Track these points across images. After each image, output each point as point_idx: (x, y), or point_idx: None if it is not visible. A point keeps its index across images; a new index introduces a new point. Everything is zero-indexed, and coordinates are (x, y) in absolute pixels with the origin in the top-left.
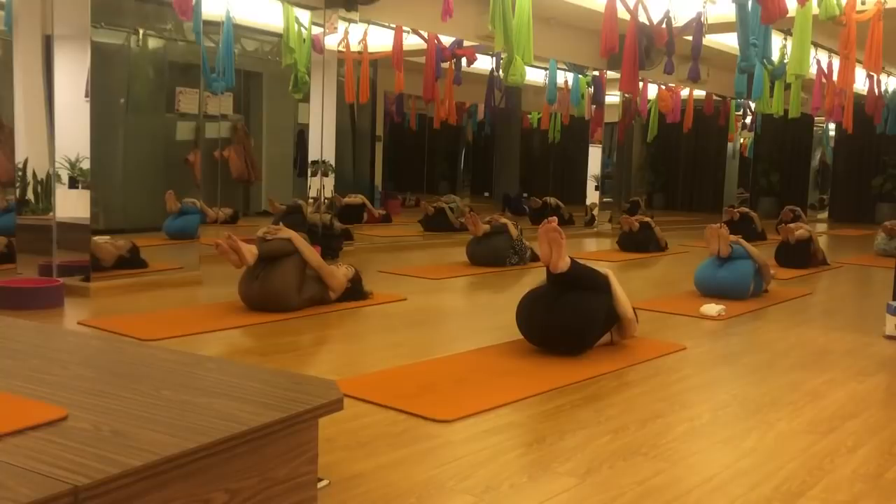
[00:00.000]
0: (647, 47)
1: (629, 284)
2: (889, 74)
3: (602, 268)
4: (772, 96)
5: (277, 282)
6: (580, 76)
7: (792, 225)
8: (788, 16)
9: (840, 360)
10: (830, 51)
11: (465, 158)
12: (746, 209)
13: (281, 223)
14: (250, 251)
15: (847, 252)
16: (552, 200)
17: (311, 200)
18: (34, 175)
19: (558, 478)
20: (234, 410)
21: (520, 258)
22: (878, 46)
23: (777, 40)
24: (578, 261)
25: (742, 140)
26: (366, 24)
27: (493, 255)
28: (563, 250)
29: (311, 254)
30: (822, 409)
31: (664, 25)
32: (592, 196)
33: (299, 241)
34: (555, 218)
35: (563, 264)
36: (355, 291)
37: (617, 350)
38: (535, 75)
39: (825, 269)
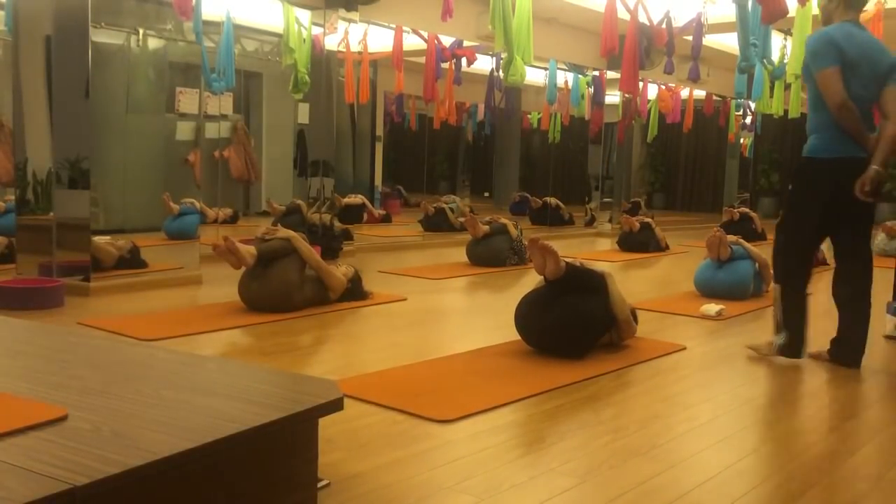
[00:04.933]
0: (647, 47)
1: (629, 284)
2: None
3: (600, 267)
4: (772, 96)
5: (277, 282)
6: (580, 76)
7: None
8: (788, 16)
9: None
10: None
11: (465, 158)
12: (746, 209)
13: (279, 224)
14: (249, 252)
15: None
16: (552, 200)
17: (310, 200)
18: (34, 175)
19: (558, 478)
20: (234, 410)
21: (519, 258)
22: None
23: (777, 40)
24: (574, 263)
25: (742, 140)
26: (366, 24)
27: (492, 255)
28: (556, 257)
29: (310, 254)
30: (822, 409)
31: (664, 25)
32: (592, 196)
33: (298, 241)
34: (537, 238)
35: (559, 270)
36: (355, 291)
37: (617, 350)
38: (535, 75)
39: (825, 269)
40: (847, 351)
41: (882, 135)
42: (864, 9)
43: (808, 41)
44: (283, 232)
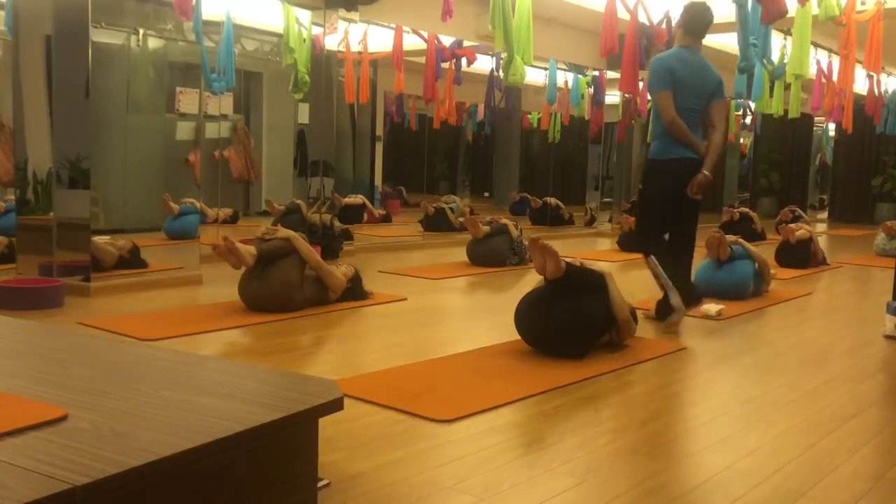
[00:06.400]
0: (647, 47)
1: (629, 284)
2: (889, 74)
3: (600, 267)
4: (772, 96)
5: (277, 282)
6: (580, 76)
7: (793, 225)
8: (788, 16)
9: (840, 360)
10: (830, 51)
11: (465, 158)
12: (746, 209)
13: (279, 224)
14: (248, 252)
15: (847, 252)
16: (552, 200)
17: (310, 200)
18: (34, 175)
19: (558, 478)
20: (234, 410)
21: (519, 258)
22: (877, 46)
23: (777, 40)
24: (574, 263)
25: (742, 140)
26: (366, 24)
27: (492, 255)
28: (556, 257)
29: (310, 253)
30: (822, 409)
31: (664, 25)
32: (592, 196)
33: (298, 241)
34: (537, 238)
35: (559, 270)
36: (355, 291)
37: (617, 350)
38: (535, 75)
39: (825, 269)
40: (665, 307)
41: (710, 144)
42: (864, 9)
43: (651, 64)
44: (283, 232)
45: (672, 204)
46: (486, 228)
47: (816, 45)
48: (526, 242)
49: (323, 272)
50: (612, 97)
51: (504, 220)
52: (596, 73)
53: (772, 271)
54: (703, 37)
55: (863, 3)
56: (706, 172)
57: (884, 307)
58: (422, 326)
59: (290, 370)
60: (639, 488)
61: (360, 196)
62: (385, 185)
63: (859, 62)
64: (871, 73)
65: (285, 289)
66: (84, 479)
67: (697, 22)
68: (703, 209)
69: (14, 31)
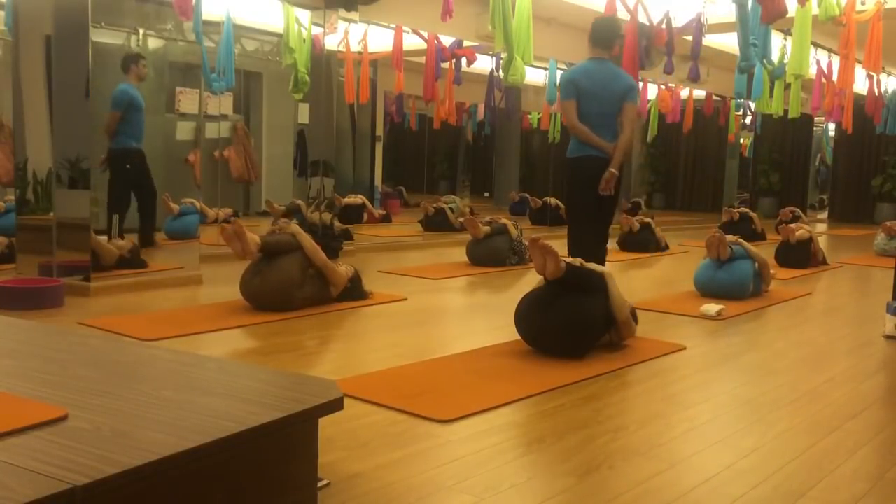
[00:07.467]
0: (647, 47)
1: (629, 284)
2: (889, 74)
3: (600, 267)
4: (772, 96)
5: (278, 279)
6: None
7: (793, 225)
8: (788, 16)
9: (840, 360)
10: (830, 51)
11: (465, 158)
12: (746, 209)
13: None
14: (254, 241)
15: (847, 252)
16: (552, 200)
17: (310, 200)
18: (34, 175)
19: (558, 478)
20: (234, 410)
21: (519, 258)
22: (877, 46)
23: (777, 40)
24: (574, 263)
25: (742, 140)
26: (366, 24)
27: (492, 255)
28: (556, 257)
29: (314, 249)
30: (822, 409)
31: (664, 25)
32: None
33: (302, 235)
34: (537, 238)
35: (559, 270)
36: (355, 291)
37: (616, 350)
38: (535, 75)
39: (825, 269)
40: None
41: (618, 143)
42: (864, 9)
43: (560, 78)
44: (292, 227)
45: (586, 198)
46: (485, 228)
47: (816, 45)
48: (526, 242)
49: (327, 269)
50: None
51: (504, 220)
52: None
53: (772, 271)
54: (609, 48)
55: (863, 3)
56: (612, 169)
57: (884, 307)
58: (422, 326)
59: (290, 370)
60: (639, 488)
61: (360, 196)
62: (385, 185)
63: (859, 62)
64: (871, 73)
65: (286, 286)
66: (84, 479)
67: (601, 35)
68: (703, 209)
69: (14, 31)
